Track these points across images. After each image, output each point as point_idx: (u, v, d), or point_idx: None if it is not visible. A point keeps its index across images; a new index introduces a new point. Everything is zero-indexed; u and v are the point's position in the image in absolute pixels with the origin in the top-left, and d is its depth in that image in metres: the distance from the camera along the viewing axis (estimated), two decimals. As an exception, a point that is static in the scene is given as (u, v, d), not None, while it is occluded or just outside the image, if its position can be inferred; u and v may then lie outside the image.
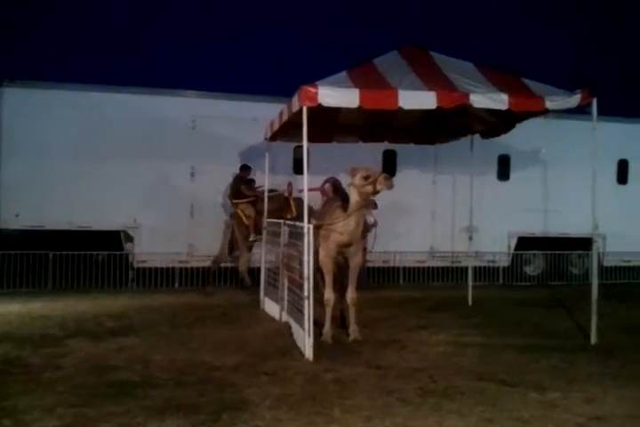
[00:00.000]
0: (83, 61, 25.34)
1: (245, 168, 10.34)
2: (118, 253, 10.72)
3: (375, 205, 10.60)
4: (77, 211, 10.39)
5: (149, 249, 10.69)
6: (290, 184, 10.33)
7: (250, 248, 10.23)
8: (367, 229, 10.84)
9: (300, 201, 9.39)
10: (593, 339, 6.61)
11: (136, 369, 5.43)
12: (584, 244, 10.86)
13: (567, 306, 8.93)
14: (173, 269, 10.96)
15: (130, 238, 10.81)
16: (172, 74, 26.60)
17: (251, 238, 10.07)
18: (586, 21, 32.02)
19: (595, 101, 6.63)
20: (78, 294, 9.76)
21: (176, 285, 10.93)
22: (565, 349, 6.35)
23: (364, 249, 8.48)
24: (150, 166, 10.63)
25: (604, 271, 12.00)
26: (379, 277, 11.44)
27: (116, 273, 10.61)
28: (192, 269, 10.99)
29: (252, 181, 10.38)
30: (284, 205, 10.09)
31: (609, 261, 12.64)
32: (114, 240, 10.77)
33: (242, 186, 10.13)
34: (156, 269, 10.83)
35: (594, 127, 6.62)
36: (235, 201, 10.19)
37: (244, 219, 10.10)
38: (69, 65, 23.70)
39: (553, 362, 5.88)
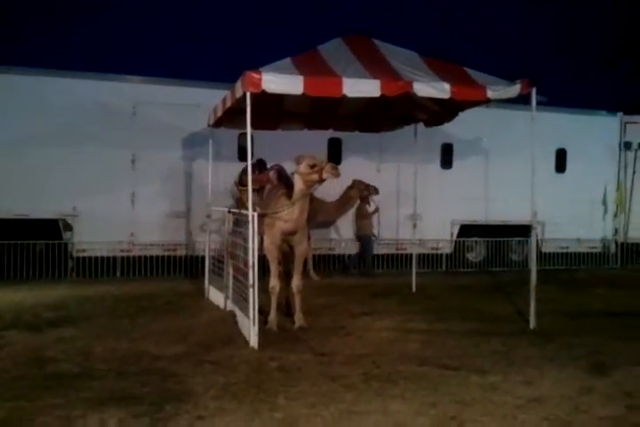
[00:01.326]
0: (19, 44, 24.39)
1: (260, 162, 10.17)
2: (57, 242, 10.40)
3: (377, 191, 10.69)
4: (13, 199, 9.99)
5: (89, 238, 10.38)
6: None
7: None
8: (369, 215, 11.02)
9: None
10: (532, 323, 6.79)
11: (76, 361, 5.31)
12: (524, 231, 11.12)
13: (507, 292, 9.16)
14: (115, 258, 10.72)
15: (69, 227, 10.48)
16: (112, 58, 25.89)
17: None
18: (530, 12, 32.67)
19: (534, 91, 6.77)
20: (15, 284, 9.44)
21: (118, 274, 10.71)
22: (505, 333, 6.50)
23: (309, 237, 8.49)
24: (90, 153, 10.27)
25: (543, 257, 12.37)
26: (324, 265, 11.45)
27: (55, 263, 10.29)
28: (134, 258, 10.77)
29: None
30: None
31: (547, 248, 13.00)
32: (52, 229, 10.43)
33: (243, 176, 9.98)
34: (97, 258, 10.56)
35: (533, 117, 6.76)
36: (240, 188, 10.07)
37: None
38: (5, 48, 22.75)
39: (493, 346, 6.02)
